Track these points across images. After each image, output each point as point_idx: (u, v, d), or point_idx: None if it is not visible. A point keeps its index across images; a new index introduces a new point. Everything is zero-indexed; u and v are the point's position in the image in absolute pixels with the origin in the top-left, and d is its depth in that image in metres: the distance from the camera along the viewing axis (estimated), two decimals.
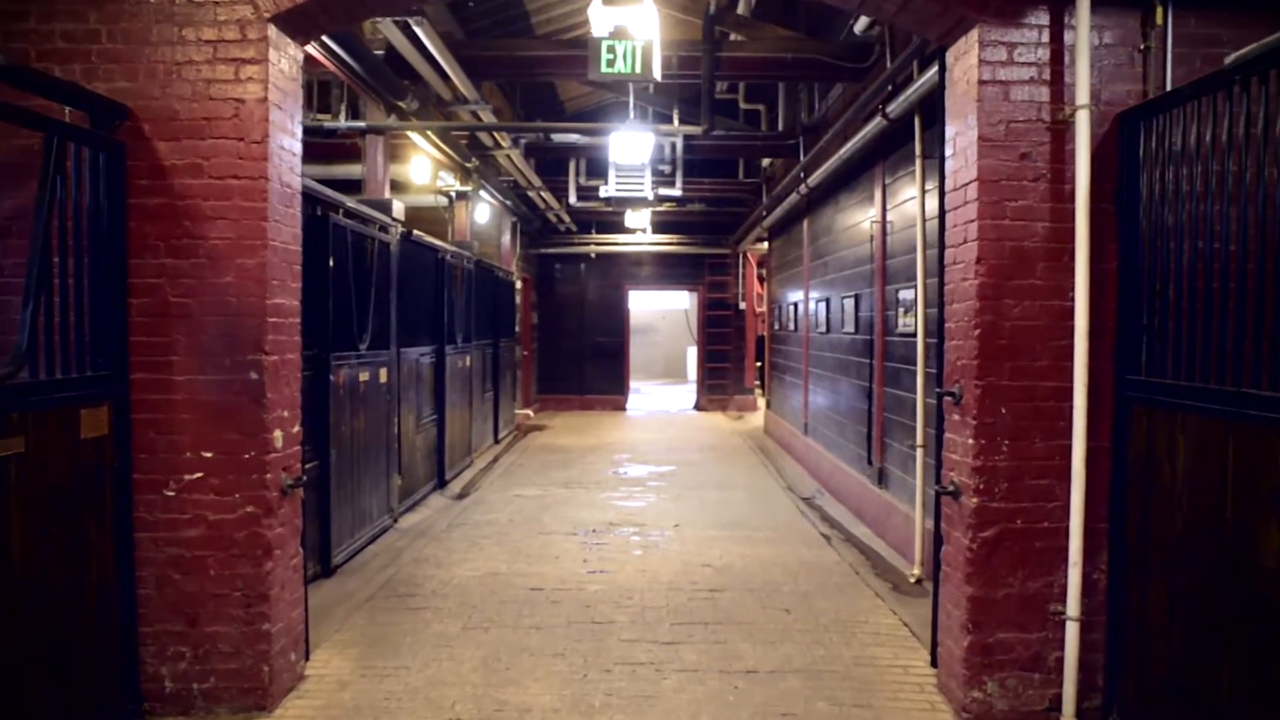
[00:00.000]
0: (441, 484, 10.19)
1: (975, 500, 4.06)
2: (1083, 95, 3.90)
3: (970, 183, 4.11)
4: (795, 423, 12.58)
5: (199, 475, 4.11)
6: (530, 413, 17.22)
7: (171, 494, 4.11)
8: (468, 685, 4.53)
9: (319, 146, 10.96)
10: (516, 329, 16.09)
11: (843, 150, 8.51)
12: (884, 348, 7.99)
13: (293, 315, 4.38)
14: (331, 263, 6.60)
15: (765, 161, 14.92)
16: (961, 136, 4.23)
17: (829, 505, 9.41)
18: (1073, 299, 3.98)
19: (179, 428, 4.11)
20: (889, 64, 7.25)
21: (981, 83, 4.03)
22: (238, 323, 4.11)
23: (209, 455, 4.11)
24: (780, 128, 12.37)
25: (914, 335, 6.93)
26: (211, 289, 4.11)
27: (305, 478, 4.49)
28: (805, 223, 11.95)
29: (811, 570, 6.70)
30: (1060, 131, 4.02)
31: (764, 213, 14.05)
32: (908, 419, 7.15)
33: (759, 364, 19.97)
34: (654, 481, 10.71)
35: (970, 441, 4.08)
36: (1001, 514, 4.06)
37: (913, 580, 6.42)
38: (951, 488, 4.23)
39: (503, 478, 11.04)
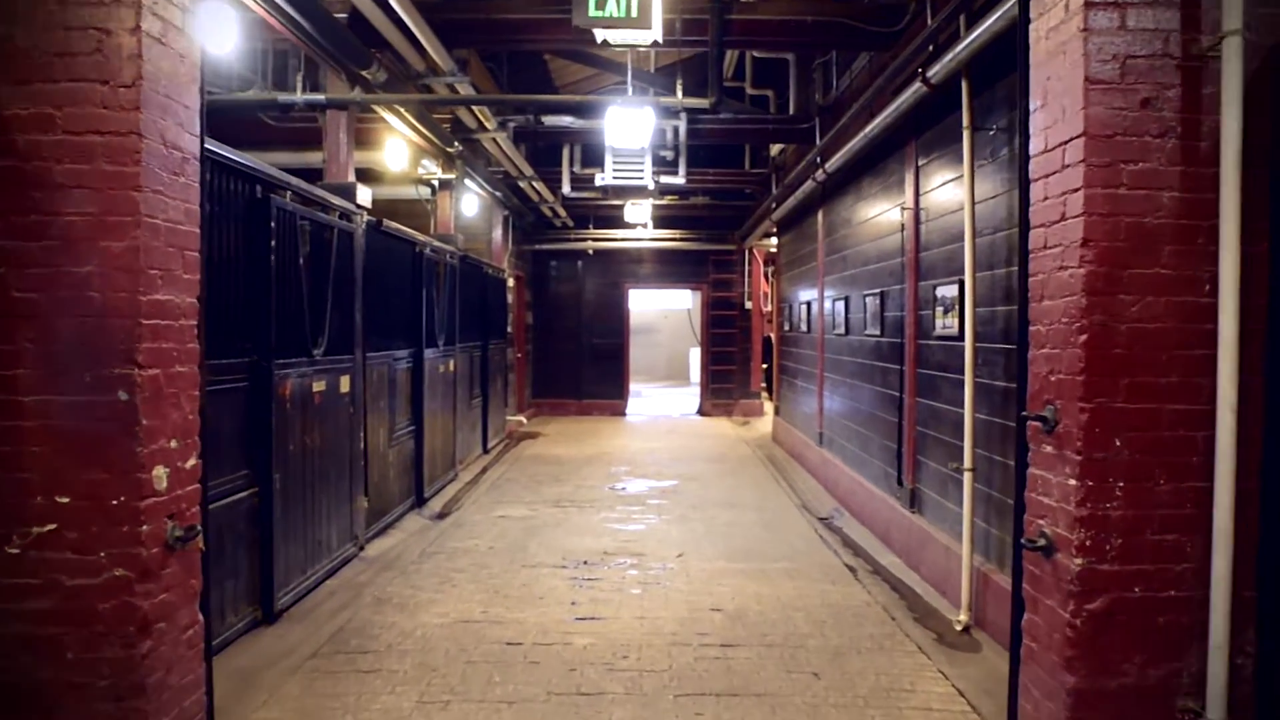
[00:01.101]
0: (420, 502, 9.18)
1: (1079, 561, 3.05)
2: (1232, 18, 2.89)
3: (1071, 140, 3.10)
4: (808, 432, 11.56)
5: (52, 527, 3.11)
6: (523, 419, 16.21)
7: (15, 551, 3.10)
8: None
9: (286, 130, 9.99)
10: (509, 330, 15.07)
11: (869, 128, 7.49)
12: (917, 352, 6.98)
13: (185, 316, 3.37)
14: (275, 254, 5.59)
15: (774, 150, 13.89)
16: (1056, 81, 3.21)
17: (850, 527, 8.39)
18: (1212, 293, 2.97)
19: (25, 464, 3.11)
20: (929, 21, 6.23)
21: (1089, 5, 3.01)
22: (102, 326, 3.10)
23: (65, 501, 3.11)
24: (792, 110, 11.35)
25: (958, 339, 5.91)
26: (68, 281, 3.10)
27: (199, 529, 3.48)
28: (820, 214, 10.93)
29: (839, 615, 5.68)
30: (1195, 70, 3.01)
31: (773, 204, 13.03)
32: (949, 436, 6.14)
33: (766, 367, 18.96)
34: (655, 499, 9.70)
35: (1073, 483, 3.06)
36: (1114, 579, 3.05)
37: (959, 628, 5.41)
38: (1042, 542, 3.22)
39: (489, 494, 10.03)
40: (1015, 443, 3.57)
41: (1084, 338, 3.01)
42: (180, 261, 3.35)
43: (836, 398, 10.03)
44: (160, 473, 3.19)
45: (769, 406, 17.32)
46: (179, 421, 3.32)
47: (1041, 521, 3.25)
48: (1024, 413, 3.35)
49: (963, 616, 5.46)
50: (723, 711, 4.24)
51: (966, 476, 5.50)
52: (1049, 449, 3.23)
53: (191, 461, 3.41)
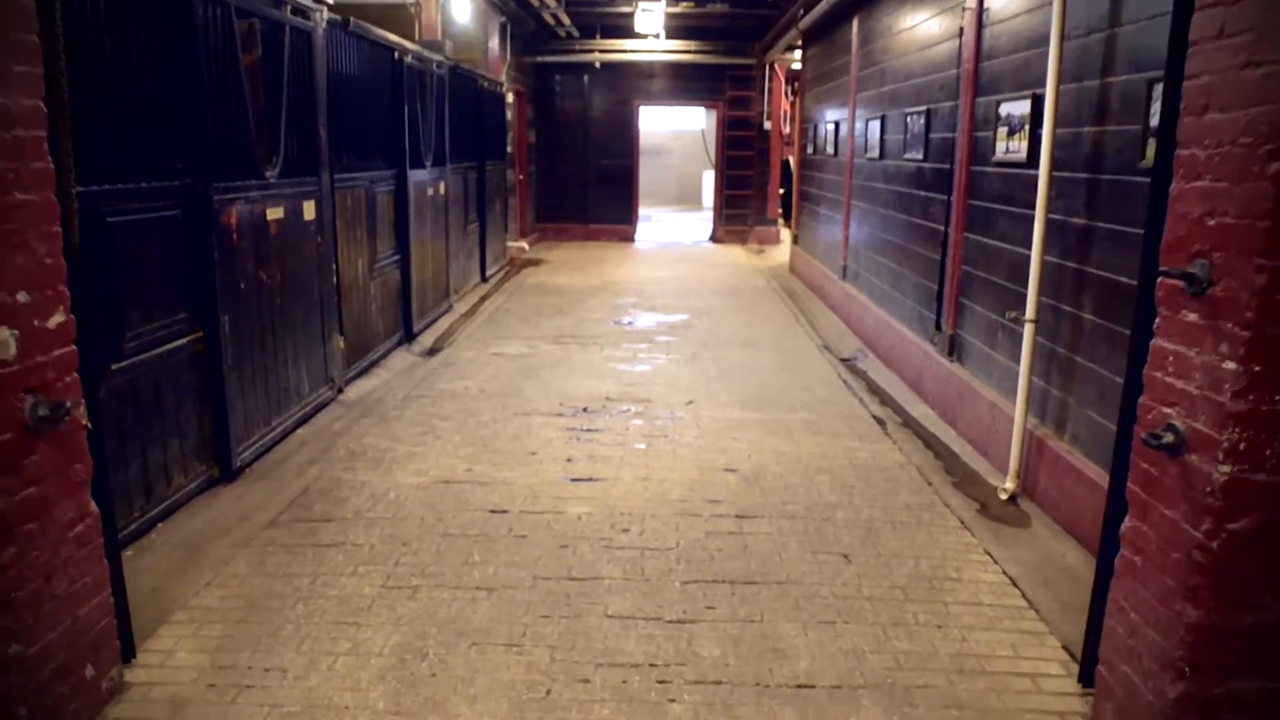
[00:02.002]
0: (409, 337, 8.48)
1: (1226, 468, 2.28)
2: None
3: None
4: (831, 264, 10.69)
5: None
6: (525, 245, 15.31)
7: None
8: (361, 713, 2.93)
9: None
10: (508, 149, 13.92)
11: None
12: (969, 181, 6.01)
13: (23, 125, 2.47)
14: (206, 56, 4.58)
15: None
16: None
17: (875, 371, 7.69)
18: None
19: None
20: None
21: None
22: None
23: None
24: None
25: (1027, 165, 4.96)
26: None
27: (77, 403, 2.72)
28: (855, 22, 9.61)
29: (869, 479, 5.03)
30: None
31: (800, 12, 11.57)
32: (1005, 279, 5.28)
33: (784, 192, 17.81)
34: (663, 336, 8.98)
35: (1229, 366, 2.25)
36: (1272, 495, 2.29)
37: (1004, 497, 4.77)
38: (1169, 438, 2.44)
39: (485, 327, 9.32)
40: (1136, 303, 2.74)
41: (1276, 167, 2.11)
42: (6, 49, 2.42)
43: (865, 228, 9.10)
44: (5, 337, 2.40)
45: (786, 235, 16.35)
46: (28, 268, 2.49)
47: (1169, 411, 2.47)
48: (1160, 270, 2.49)
49: (1009, 484, 4.80)
50: (738, 605, 3.63)
51: (1027, 328, 4.69)
52: (1193, 317, 2.40)
53: (56, 319, 2.61)
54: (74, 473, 2.70)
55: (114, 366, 3.92)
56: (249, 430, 5.10)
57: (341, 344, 6.59)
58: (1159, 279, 2.53)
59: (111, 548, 2.96)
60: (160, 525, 4.25)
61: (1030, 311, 4.67)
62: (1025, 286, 4.72)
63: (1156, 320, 2.55)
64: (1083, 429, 4.31)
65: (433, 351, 8.28)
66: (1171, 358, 2.47)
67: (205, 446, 4.73)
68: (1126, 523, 2.72)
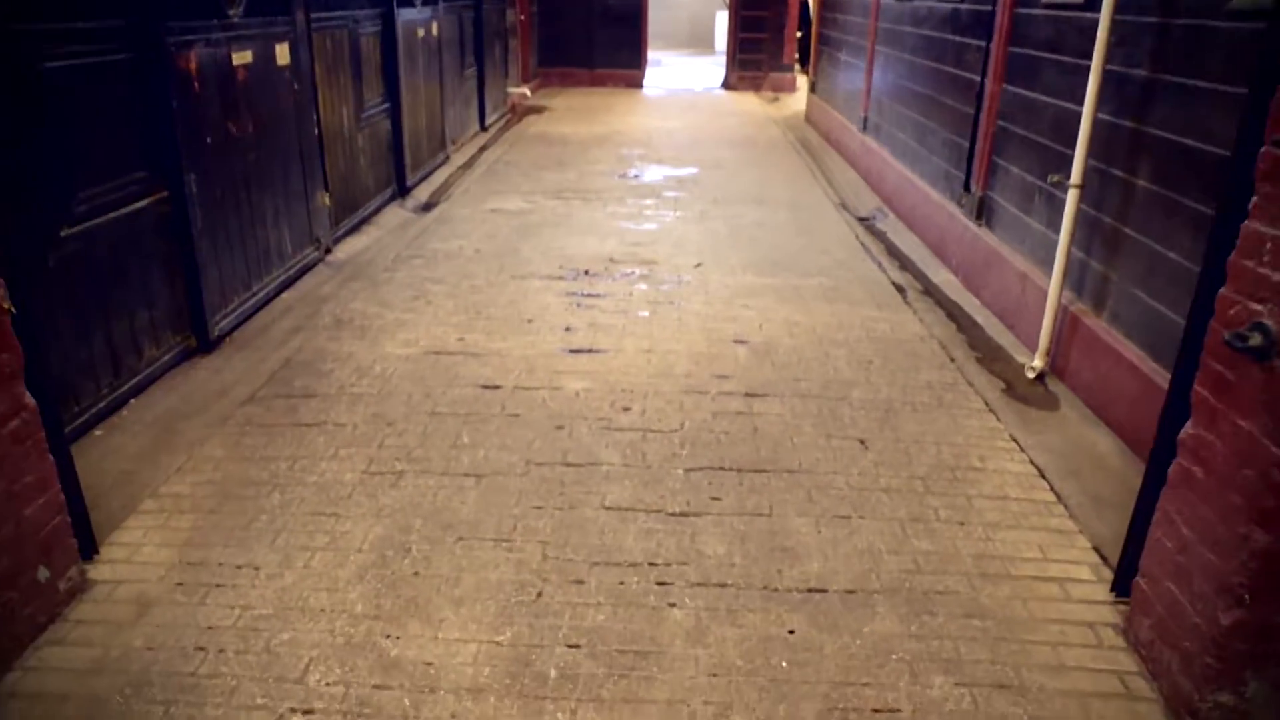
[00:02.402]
0: (402, 192, 8.02)
1: None
2: None
3: None
4: (850, 115, 10.03)
5: None
6: (528, 91, 14.50)
7: None
8: (338, 617, 2.72)
9: None
10: None
11: None
12: (1011, 24, 5.39)
13: None
14: None
15: None
16: None
17: (895, 232, 7.26)
18: None
19: None
20: None
21: None
22: None
23: None
24: None
25: (1086, 8, 4.38)
26: None
27: None
28: None
29: (888, 354, 4.71)
30: None
31: None
32: (1048, 137, 4.79)
33: (801, 36, 16.72)
34: (671, 191, 8.49)
35: None
36: None
37: (1032, 375, 4.46)
38: (1256, 339, 2.09)
39: (483, 181, 8.83)
40: (1228, 177, 2.31)
41: None
42: None
43: (889, 77, 8.43)
44: None
45: (803, 82, 15.44)
46: None
47: (1259, 308, 2.11)
48: (1273, 138, 2.06)
49: (1037, 362, 4.48)
50: (746, 496, 3.38)
51: (1071, 194, 4.25)
52: None
53: None
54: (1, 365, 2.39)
55: (63, 233, 3.55)
56: (226, 297, 4.77)
57: (327, 201, 6.16)
58: (1263, 149, 2.11)
59: (58, 441, 2.68)
60: (133, 401, 3.99)
61: (1076, 175, 4.21)
62: (1071, 147, 4.24)
63: (1254, 199, 2.15)
64: (1125, 307, 3.95)
65: (427, 207, 7.84)
66: (1269, 245, 2.08)
67: (179, 316, 4.41)
68: (1188, 429, 2.40)
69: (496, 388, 4.22)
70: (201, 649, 2.57)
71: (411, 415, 3.93)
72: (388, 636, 2.64)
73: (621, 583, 2.89)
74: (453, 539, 3.09)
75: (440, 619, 2.71)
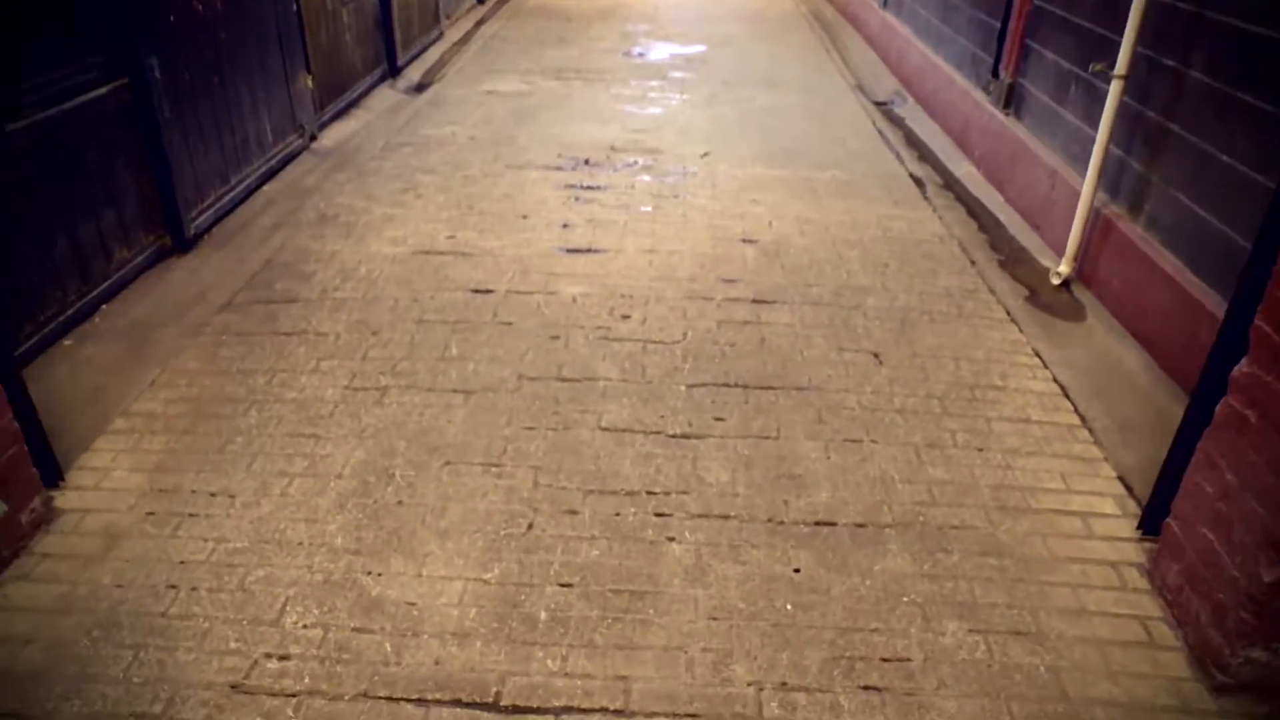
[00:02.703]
0: (393, 72, 7.56)
1: None
2: None
3: None
4: None
5: None
6: None
7: None
8: (317, 551, 2.57)
9: None
10: None
11: None
12: None
13: None
14: None
15: None
16: None
17: (915, 119, 6.84)
18: None
19: None
20: None
21: None
22: None
23: None
24: None
25: None
26: None
27: None
28: None
29: (905, 256, 4.44)
30: None
31: None
32: (1090, 20, 4.36)
33: None
34: (678, 71, 8.01)
35: None
36: None
37: (1057, 281, 4.21)
38: None
39: (479, 59, 8.33)
40: None
41: None
42: None
43: None
44: None
45: None
46: None
47: None
48: None
49: (1063, 268, 4.21)
50: (751, 416, 3.19)
51: (1114, 85, 3.88)
52: None
53: None
54: None
55: (10, 127, 3.24)
56: (202, 192, 4.47)
57: (310, 83, 5.77)
58: None
59: (7, 369, 2.47)
60: (105, 307, 3.77)
61: (1121, 65, 3.83)
62: (1118, 32, 3.85)
63: None
64: (1166, 213, 3.65)
65: (420, 88, 7.40)
66: None
67: (150, 214, 4.13)
68: (1243, 367, 2.17)
69: (488, 292, 3.97)
70: (173, 586, 2.43)
71: (397, 323, 3.71)
72: (369, 573, 2.49)
73: (617, 514, 2.73)
74: (439, 463, 2.91)
75: (425, 554, 2.56)
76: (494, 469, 2.90)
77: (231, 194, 4.73)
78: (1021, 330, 3.80)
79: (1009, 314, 3.93)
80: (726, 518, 2.72)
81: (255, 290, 3.95)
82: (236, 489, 2.78)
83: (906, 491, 2.84)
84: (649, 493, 2.81)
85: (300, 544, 2.58)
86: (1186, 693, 2.22)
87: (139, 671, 2.19)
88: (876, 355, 3.57)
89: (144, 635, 2.29)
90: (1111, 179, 4.05)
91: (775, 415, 3.19)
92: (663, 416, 3.17)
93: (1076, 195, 4.14)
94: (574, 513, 2.73)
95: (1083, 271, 4.18)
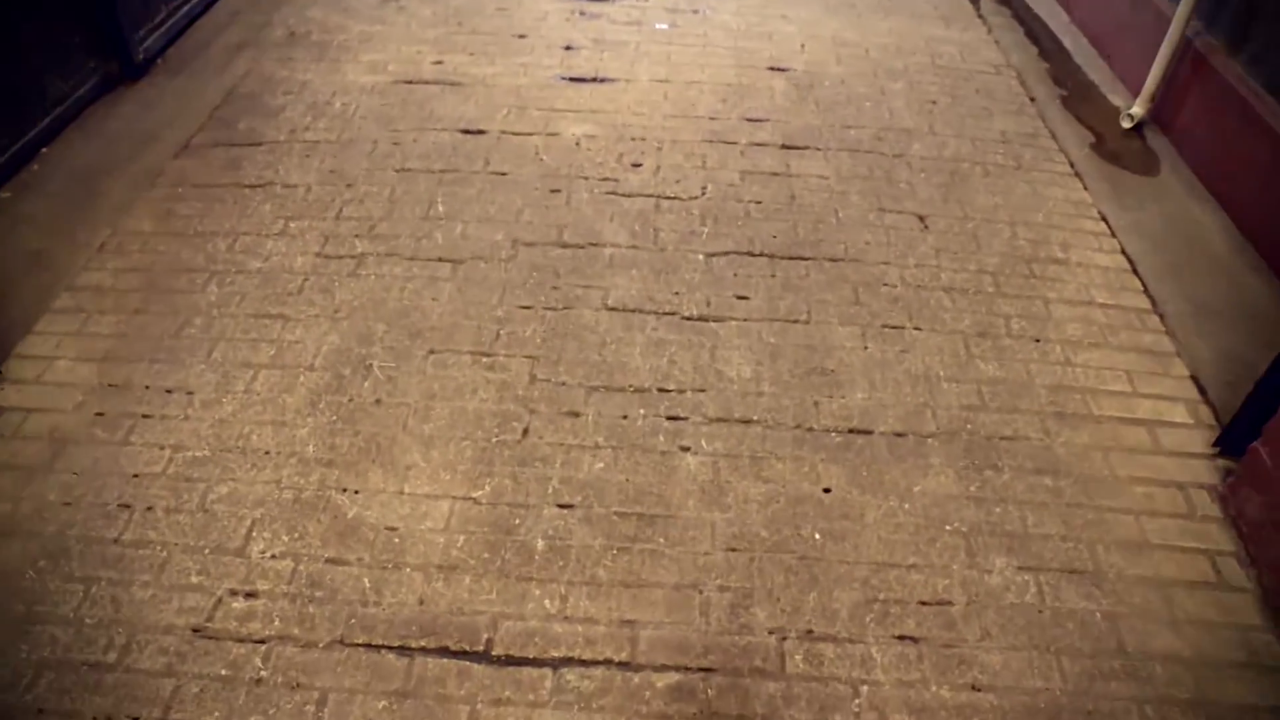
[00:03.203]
0: None
1: None
2: None
3: None
4: None
5: None
6: None
7: None
8: (285, 462, 2.28)
9: None
10: None
11: None
12: None
13: None
14: None
15: None
16: None
17: None
18: None
19: None
20: None
21: None
22: None
23: None
24: None
25: None
26: None
27: None
28: None
29: (957, 90, 3.89)
30: None
31: None
32: None
33: None
34: None
35: None
36: None
37: (1128, 125, 3.68)
38: None
39: None
40: None
41: None
42: None
43: None
44: None
45: None
46: None
47: None
48: None
49: (1137, 108, 3.67)
50: (779, 294, 2.81)
51: None
52: None
53: None
54: None
55: None
56: (152, 6, 3.87)
57: None
58: None
59: None
60: (45, 151, 3.32)
61: None
62: None
63: None
64: (1276, 51, 3.08)
65: None
66: None
67: (91, 36, 3.57)
68: None
69: (480, 133, 3.49)
70: (126, 506, 2.17)
71: (375, 172, 3.26)
72: (344, 490, 2.22)
73: (624, 416, 2.42)
74: (422, 351, 2.58)
75: (407, 465, 2.27)
76: (485, 359, 2.56)
77: (187, 6, 4.12)
78: (1086, 187, 3.34)
79: (1072, 166, 3.45)
80: (748, 422, 2.41)
81: (215, 130, 3.47)
82: (195, 383, 2.46)
83: (953, 392, 2.51)
84: (660, 390, 2.49)
85: (267, 452, 2.30)
86: (1256, 645, 1.99)
87: (91, 611, 1.96)
88: (922, 218, 3.14)
89: (96, 566, 2.04)
90: (1208, 3, 3.43)
91: (805, 293, 2.81)
92: (677, 293, 2.80)
93: (1164, 20, 3.54)
94: (575, 415, 2.42)
95: (1160, 114, 3.65)
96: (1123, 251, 3.04)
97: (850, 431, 2.40)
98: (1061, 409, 2.48)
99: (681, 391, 2.49)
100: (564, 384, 2.50)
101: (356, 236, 2.97)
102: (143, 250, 2.90)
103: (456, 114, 3.59)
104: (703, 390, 2.50)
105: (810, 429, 2.40)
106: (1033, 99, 3.86)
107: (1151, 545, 2.17)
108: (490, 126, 3.52)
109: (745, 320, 2.71)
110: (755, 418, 2.43)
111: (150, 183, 3.19)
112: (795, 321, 2.72)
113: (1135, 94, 3.71)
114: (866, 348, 2.64)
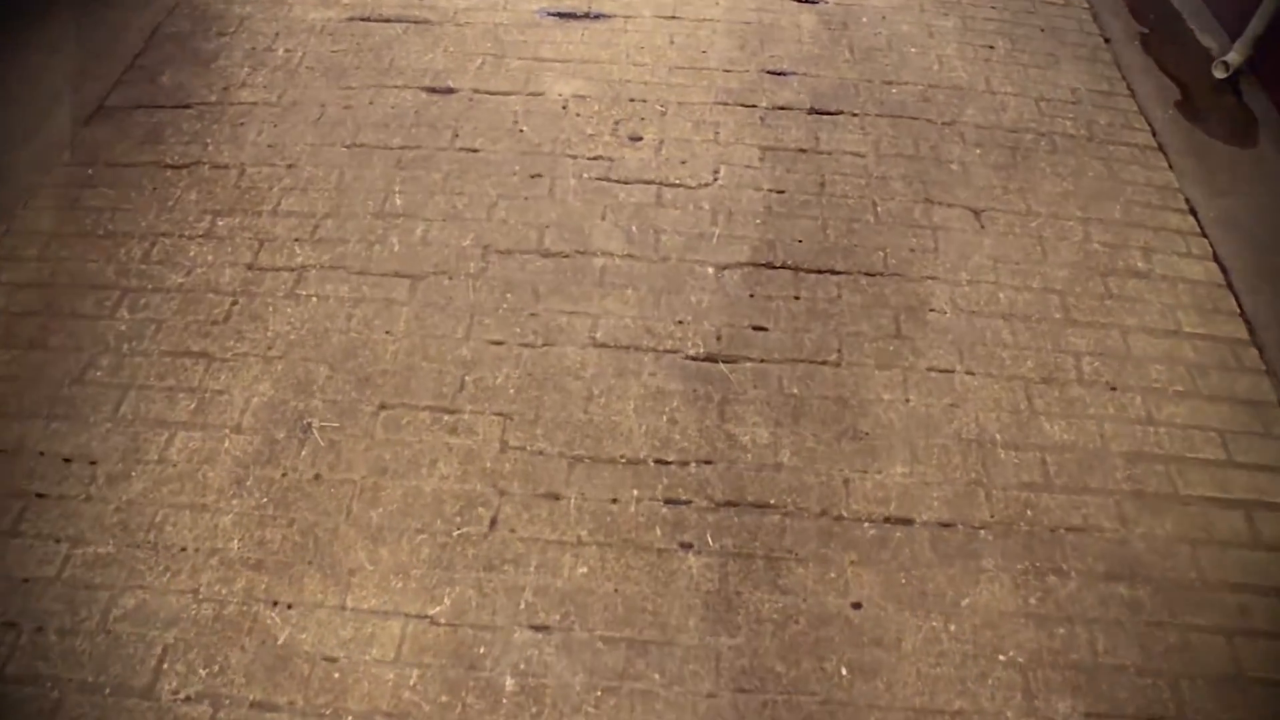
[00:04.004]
0: None
1: None
2: None
3: None
4: None
5: None
6: None
7: None
8: (205, 564, 1.88)
9: None
10: None
11: None
12: None
13: None
14: None
15: None
16: None
17: None
18: None
19: None
20: None
21: None
22: None
23: None
24: None
25: None
26: None
27: None
28: None
29: (1018, 28, 3.30)
30: None
31: None
32: None
33: None
34: None
35: None
36: None
37: (1221, 75, 3.10)
38: None
39: None
40: None
41: None
42: None
43: None
44: None
45: None
46: None
47: None
48: None
49: (1234, 55, 3.09)
50: (804, 323, 2.34)
51: None
52: None
53: None
54: None
55: None
56: None
57: None
58: None
59: None
60: None
61: None
62: None
63: None
64: None
65: None
66: None
67: None
68: None
69: (448, 91, 2.93)
70: (12, 625, 1.80)
71: (322, 149, 2.73)
72: (274, 604, 1.83)
73: (614, 499, 2.01)
74: (371, 406, 2.14)
75: (350, 569, 1.88)
76: (447, 416, 2.13)
77: None
78: (1171, 165, 2.80)
79: (1155, 135, 2.90)
80: (764, 508, 2.00)
81: (135, 85, 2.92)
82: (99, 449, 2.05)
83: (1011, 464, 2.08)
84: (658, 461, 2.07)
85: (183, 549, 1.90)
86: None
87: None
88: (977, 214, 2.62)
89: None
90: None
91: (836, 322, 2.35)
92: (681, 322, 2.33)
93: None
94: (555, 497, 2.00)
95: (1262, 64, 3.05)
96: (1214, 257, 2.54)
97: (887, 521, 1.99)
98: (1141, 486, 2.06)
99: (684, 464, 2.06)
100: (541, 453, 2.07)
101: (296, 241, 2.48)
102: (41, 257, 2.42)
103: (421, 65, 3.01)
104: (709, 462, 2.07)
105: (839, 517, 1.99)
106: (1107, 39, 3.26)
107: (1248, 679, 1.79)
108: (461, 83, 2.96)
109: (762, 362, 2.26)
110: (773, 501, 2.01)
111: (55, 159, 2.67)
112: (823, 363, 2.26)
113: (1233, 36, 3.10)
114: (908, 400, 2.19)
